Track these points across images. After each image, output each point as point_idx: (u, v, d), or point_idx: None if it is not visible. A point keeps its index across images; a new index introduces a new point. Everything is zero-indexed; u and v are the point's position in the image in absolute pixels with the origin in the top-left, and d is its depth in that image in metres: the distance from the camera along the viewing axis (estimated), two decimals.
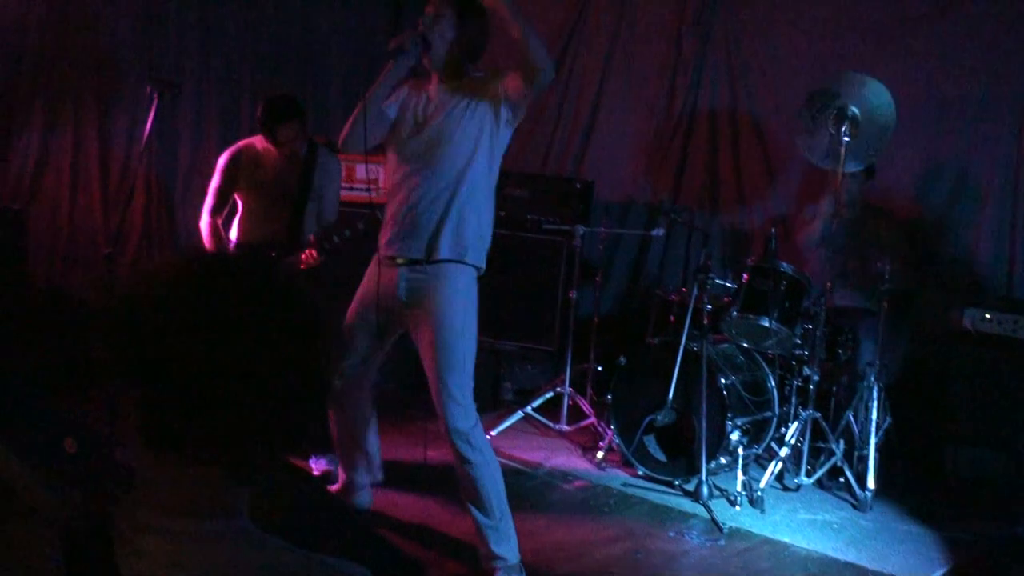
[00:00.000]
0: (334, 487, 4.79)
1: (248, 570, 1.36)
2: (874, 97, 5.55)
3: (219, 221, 5.25)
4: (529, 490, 5.39)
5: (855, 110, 5.54)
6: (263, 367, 1.35)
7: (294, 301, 1.41)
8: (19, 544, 1.42)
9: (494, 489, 4.13)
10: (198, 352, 1.32)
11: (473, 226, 4.15)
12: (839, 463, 5.48)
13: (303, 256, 4.86)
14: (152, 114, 4.91)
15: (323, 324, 1.43)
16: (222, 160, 5.23)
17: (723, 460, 5.46)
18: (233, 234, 5.27)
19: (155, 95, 4.92)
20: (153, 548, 1.35)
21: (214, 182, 5.22)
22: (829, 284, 5.64)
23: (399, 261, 4.19)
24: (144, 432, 1.37)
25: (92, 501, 1.48)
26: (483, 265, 4.23)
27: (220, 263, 1.46)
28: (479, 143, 4.09)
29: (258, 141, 5.23)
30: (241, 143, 5.30)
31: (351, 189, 6.84)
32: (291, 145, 5.11)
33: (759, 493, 5.35)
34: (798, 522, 5.15)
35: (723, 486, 5.43)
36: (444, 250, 4.10)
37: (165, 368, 1.32)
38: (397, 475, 5.10)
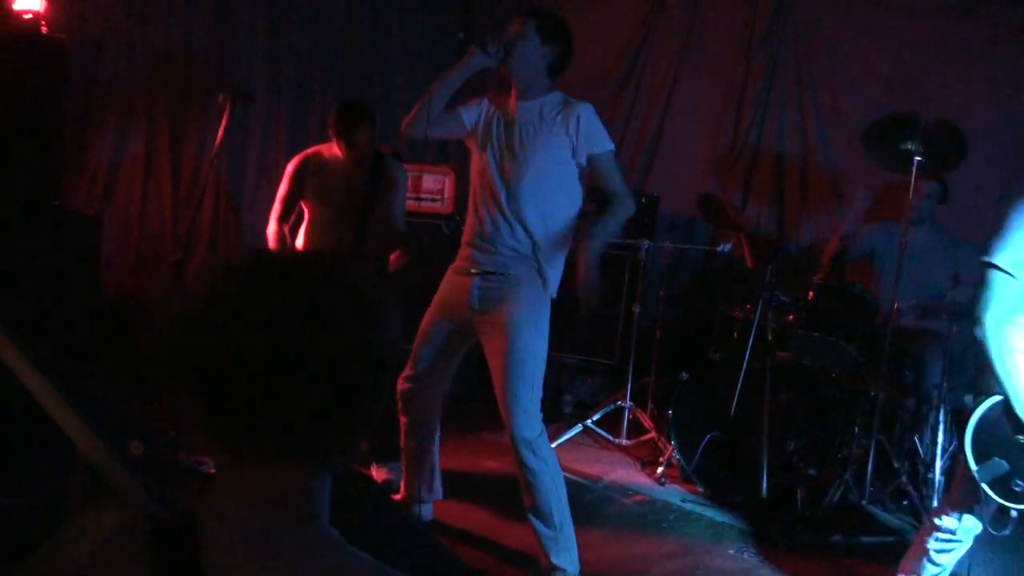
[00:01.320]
0: (396, 496, 4.82)
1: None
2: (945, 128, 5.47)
3: (286, 228, 5.31)
4: (588, 503, 5.38)
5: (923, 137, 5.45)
6: (326, 356, 1.35)
7: (356, 290, 1.41)
8: (112, 532, 1.43)
9: (556, 499, 4.13)
10: (257, 356, 1.32)
11: (548, 244, 4.16)
12: (904, 485, 5.41)
13: (392, 257, 4.93)
14: (224, 122, 4.99)
15: (389, 314, 1.43)
16: (290, 167, 5.29)
17: (784, 479, 5.40)
18: (300, 242, 5.33)
19: (228, 104, 4.99)
20: (234, 541, 1.36)
21: (282, 189, 5.29)
22: (896, 305, 5.57)
23: (473, 271, 4.22)
24: (215, 437, 1.38)
25: (163, 496, 1.50)
26: (555, 287, 4.23)
27: (275, 256, 1.48)
28: (550, 159, 4.10)
29: (325, 149, 5.28)
30: (309, 151, 5.36)
31: (418, 199, 6.89)
32: (365, 148, 5.16)
33: (820, 514, 5.29)
34: (860, 544, 5.08)
35: (784, 505, 5.38)
36: (518, 264, 4.12)
37: (231, 369, 1.33)
38: (456, 485, 5.12)
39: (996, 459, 3.56)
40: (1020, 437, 3.56)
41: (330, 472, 1.45)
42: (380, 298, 1.43)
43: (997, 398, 3.59)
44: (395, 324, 1.44)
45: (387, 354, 1.43)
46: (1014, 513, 3.65)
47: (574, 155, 4.10)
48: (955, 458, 5.51)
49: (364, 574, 1.39)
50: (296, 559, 1.35)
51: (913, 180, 5.43)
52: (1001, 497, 3.57)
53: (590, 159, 4.12)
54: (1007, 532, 3.77)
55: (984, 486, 3.57)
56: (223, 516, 1.38)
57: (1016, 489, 3.55)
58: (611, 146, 4.18)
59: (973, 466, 3.57)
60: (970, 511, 3.77)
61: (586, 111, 4.10)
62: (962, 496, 3.78)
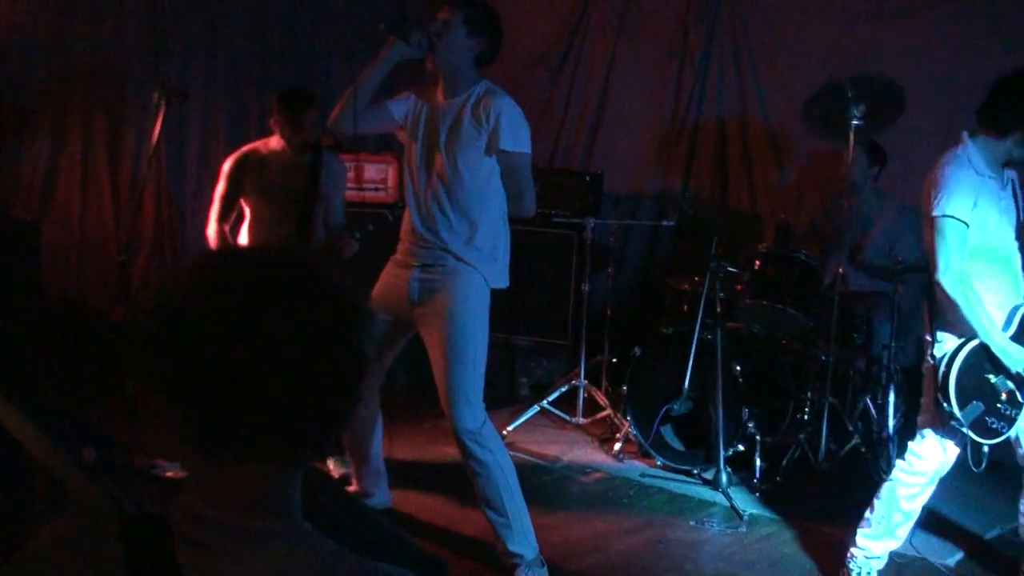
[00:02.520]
0: (351, 487, 4.80)
1: (308, 571, 1.36)
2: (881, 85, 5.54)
3: (226, 228, 5.24)
4: (547, 484, 5.40)
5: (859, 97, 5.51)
6: (306, 357, 1.35)
7: (331, 291, 1.42)
8: (81, 533, 1.43)
9: (506, 487, 4.11)
10: (241, 353, 1.31)
11: (484, 236, 4.12)
12: (859, 446, 5.48)
13: (342, 244, 4.89)
14: (159, 122, 4.93)
15: (360, 312, 1.44)
16: (227, 165, 5.23)
17: (741, 447, 5.45)
18: (243, 241, 5.28)
19: (162, 103, 4.93)
20: (211, 541, 1.35)
21: (220, 188, 5.21)
22: (841, 269, 5.64)
23: (412, 264, 4.19)
24: (195, 438, 1.36)
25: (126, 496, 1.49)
26: (493, 279, 4.18)
27: (250, 256, 1.47)
28: (478, 153, 4.05)
29: (262, 145, 5.23)
30: (245, 148, 5.30)
31: (361, 189, 6.85)
32: (313, 133, 5.12)
33: (778, 479, 5.35)
34: (819, 507, 5.14)
35: (741, 473, 5.43)
36: (459, 251, 4.10)
37: (209, 375, 1.32)
38: (412, 473, 5.12)
39: (974, 402, 3.84)
40: (990, 376, 3.85)
41: (303, 469, 1.44)
42: (356, 300, 1.44)
43: (972, 345, 3.84)
44: (370, 325, 1.44)
45: (363, 354, 1.43)
46: (986, 448, 3.98)
47: (487, 147, 4.03)
48: (907, 417, 5.62)
49: (342, 566, 1.39)
50: (274, 556, 1.35)
51: (851, 147, 5.50)
52: (980, 436, 3.87)
53: (500, 155, 4.04)
54: (983, 468, 4.06)
55: (967, 430, 3.84)
56: (198, 518, 1.36)
57: (992, 427, 3.87)
58: (526, 149, 4.09)
59: (958, 413, 3.82)
60: (942, 453, 3.99)
61: (507, 107, 4.02)
62: (939, 440, 3.99)
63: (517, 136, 4.05)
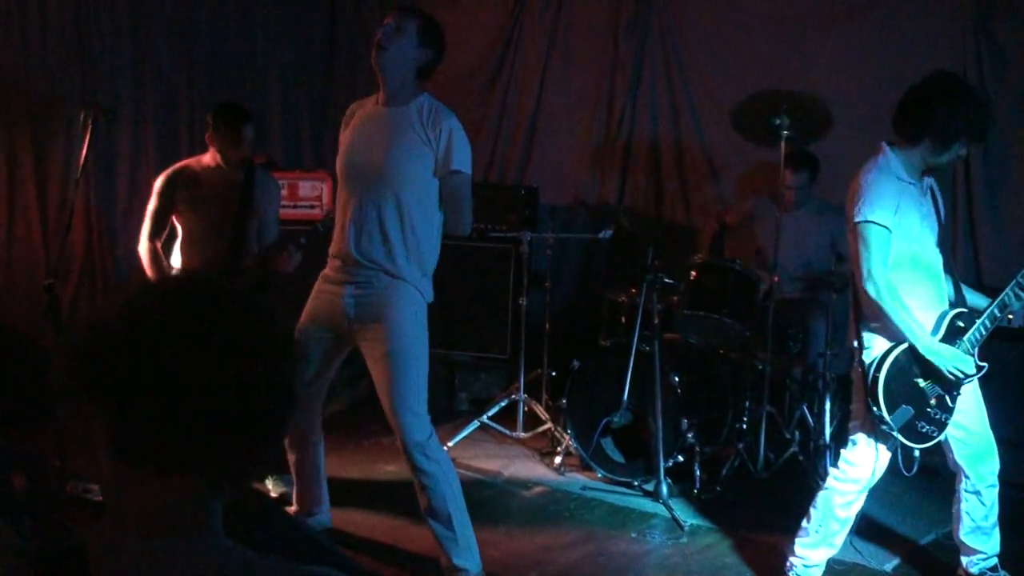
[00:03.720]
0: (292, 508, 4.74)
1: None
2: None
3: (158, 245, 5.16)
4: (489, 499, 5.37)
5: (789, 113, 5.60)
6: (235, 378, 1.38)
7: (262, 316, 1.46)
8: None
9: (452, 500, 4.10)
10: (173, 366, 1.34)
11: (419, 252, 4.10)
12: (796, 454, 5.52)
13: (279, 258, 4.84)
14: (87, 140, 4.84)
15: (290, 339, 1.49)
16: (159, 182, 5.15)
17: (680, 458, 5.46)
18: (176, 259, 5.20)
19: (89, 121, 4.85)
20: (131, 569, 1.36)
21: (151, 205, 5.13)
22: (776, 278, 5.69)
23: (345, 280, 4.15)
24: (119, 449, 1.38)
25: (47, 529, 1.47)
26: (427, 290, 4.17)
27: (193, 283, 1.51)
28: (420, 167, 4.03)
29: (194, 162, 5.17)
30: (177, 165, 5.24)
31: (295, 207, 6.79)
32: (248, 149, 5.06)
33: (718, 489, 5.38)
34: (759, 516, 5.17)
35: (682, 484, 5.45)
36: (392, 268, 4.06)
37: (141, 383, 1.34)
38: (354, 491, 5.07)
39: (904, 407, 3.89)
40: (919, 380, 3.92)
41: (226, 487, 1.46)
42: (284, 328, 1.50)
43: (899, 349, 3.91)
44: (294, 353, 1.49)
45: (293, 383, 1.47)
46: (917, 452, 4.04)
47: (435, 169, 4.03)
48: (843, 424, 5.68)
49: (261, 571, 1.42)
50: (199, 571, 1.37)
51: (783, 159, 5.59)
52: (911, 441, 3.93)
53: (449, 176, 4.05)
54: (914, 471, 4.12)
55: (897, 434, 3.89)
56: (117, 546, 1.37)
57: (922, 431, 3.92)
58: (469, 170, 4.10)
59: (887, 417, 3.88)
60: (874, 459, 4.03)
61: (456, 127, 4.04)
62: (870, 446, 4.03)
63: (464, 157, 4.06)
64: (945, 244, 4.13)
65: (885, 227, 3.83)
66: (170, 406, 1.35)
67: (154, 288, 1.47)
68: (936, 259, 4.05)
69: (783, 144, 5.61)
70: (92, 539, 1.39)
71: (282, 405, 1.45)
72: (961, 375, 3.91)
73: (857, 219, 3.86)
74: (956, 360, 3.90)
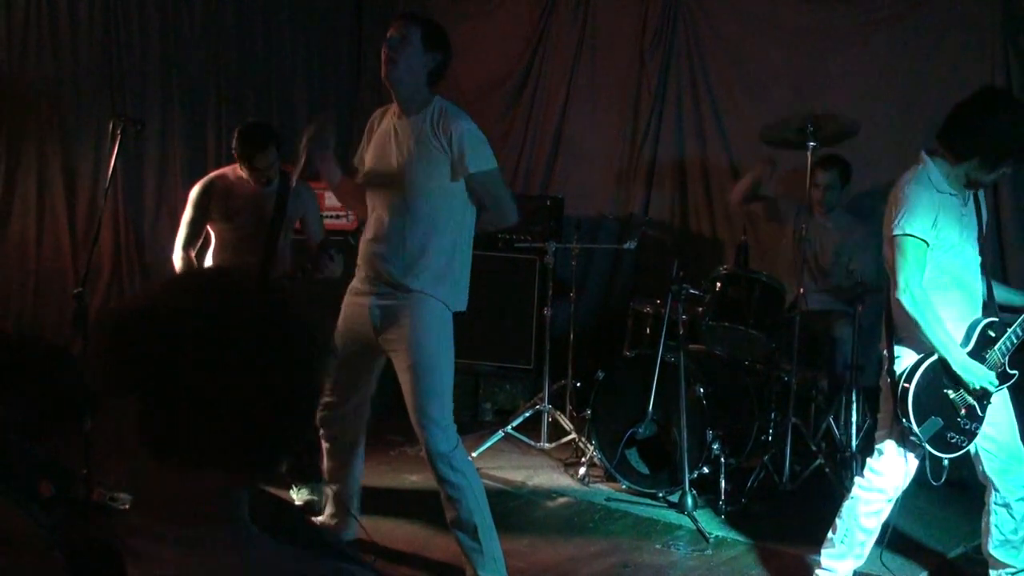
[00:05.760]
0: (318, 517, 4.75)
1: (260, 571, 1.44)
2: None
3: (192, 254, 5.20)
4: (513, 509, 5.37)
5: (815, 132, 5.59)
6: (261, 373, 1.42)
7: (291, 315, 1.50)
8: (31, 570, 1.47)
9: (478, 511, 4.09)
10: (200, 360, 1.39)
11: (441, 262, 4.09)
12: (822, 467, 5.49)
13: (325, 262, 4.84)
14: (115, 151, 4.87)
15: (316, 337, 1.53)
16: (194, 192, 5.18)
17: (706, 470, 5.44)
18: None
19: (118, 132, 4.88)
20: (160, 555, 1.40)
21: (187, 214, 5.16)
22: (802, 289, 5.67)
23: (369, 291, 4.16)
24: (148, 443, 1.43)
25: (75, 524, 1.50)
26: (453, 302, 4.17)
27: (221, 277, 1.57)
28: (438, 175, 4.03)
29: (230, 172, 5.19)
30: (213, 174, 5.26)
31: (322, 216, 6.81)
32: (268, 173, 5.08)
33: (743, 500, 5.35)
34: (784, 528, 5.14)
35: (707, 495, 5.43)
36: (411, 281, 4.07)
37: (172, 375, 1.39)
38: (379, 501, 5.07)
39: (933, 418, 3.88)
40: (949, 392, 3.90)
41: (252, 482, 1.52)
42: (319, 326, 1.55)
43: (930, 361, 3.90)
44: (322, 346, 1.54)
45: (320, 383, 1.53)
46: (946, 462, 4.02)
47: (453, 174, 4.03)
48: (869, 436, 5.64)
49: (300, 566, 1.47)
50: (227, 558, 1.42)
51: (809, 170, 5.58)
52: (939, 451, 3.93)
53: (470, 179, 4.05)
54: (942, 482, 4.12)
55: (927, 445, 3.89)
56: (146, 534, 1.42)
57: (951, 441, 3.92)
58: (492, 165, 4.09)
59: (916, 429, 3.86)
60: (901, 468, 4.02)
61: (465, 128, 4.02)
62: (897, 455, 4.02)
63: (481, 155, 4.05)
64: (985, 251, 4.08)
65: (923, 240, 3.81)
66: (198, 400, 1.39)
67: (181, 281, 1.53)
68: (974, 271, 4.02)
69: (809, 156, 5.60)
70: (121, 530, 1.42)
71: (307, 398, 1.50)
72: (990, 390, 3.90)
73: (896, 232, 3.84)
74: (986, 379, 3.88)
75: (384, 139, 4.16)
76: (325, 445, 4.49)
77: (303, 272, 4.84)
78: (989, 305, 4.07)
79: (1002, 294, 4.14)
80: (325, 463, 4.57)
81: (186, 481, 1.44)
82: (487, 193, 4.11)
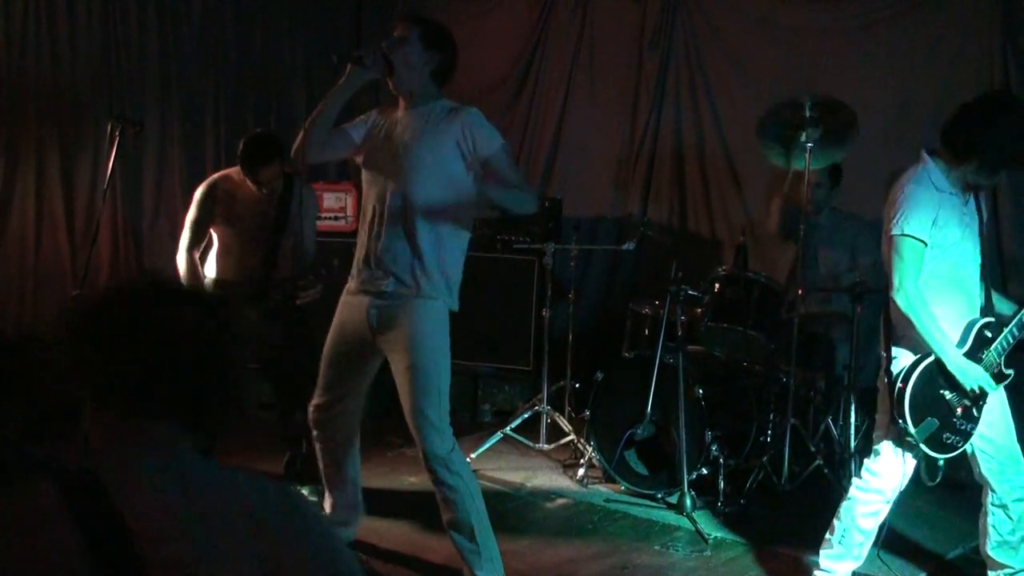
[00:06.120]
0: None
1: (218, 484, 1.77)
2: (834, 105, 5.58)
3: (196, 256, 5.18)
4: (512, 511, 5.37)
5: (816, 118, 5.54)
6: (195, 365, 1.81)
7: (228, 324, 1.88)
8: (23, 497, 1.66)
9: (475, 513, 4.08)
10: (146, 349, 1.78)
11: (440, 262, 4.07)
12: (821, 467, 5.49)
13: (301, 295, 4.83)
14: (113, 152, 4.88)
15: (232, 322, 1.89)
16: (199, 193, 5.17)
17: (704, 471, 5.44)
18: (210, 270, 5.22)
19: (116, 133, 4.88)
20: (140, 481, 1.69)
21: (191, 215, 5.15)
22: (800, 291, 5.66)
23: (367, 291, 4.14)
24: (115, 396, 1.78)
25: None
26: (451, 303, 4.16)
27: (152, 284, 1.91)
28: (446, 173, 4.03)
29: (235, 173, 5.17)
30: (217, 175, 5.26)
31: (320, 218, 6.81)
32: (272, 185, 5.07)
33: (742, 501, 5.35)
34: (783, 529, 5.14)
35: (705, 496, 5.42)
36: (410, 282, 4.05)
37: (133, 349, 1.77)
38: (376, 502, 5.06)
39: (929, 419, 3.88)
40: (945, 392, 3.90)
41: (194, 442, 1.83)
42: (233, 312, 1.94)
43: (927, 362, 3.90)
44: (248, 351, 1.96)
45: (239, 372, 1.90)
46: (941, 462, 4.00)
47: (467, 164, 4.02)
48: (870, 430, 5.64)
49: (248, 483, 1.79)
50: (189, 474, 1.74)
51: (807, 167, 5.55)
52: (936, 452, 3.93)
53: (485, 163, 4.04)
54: (938, 481, 4.07)
55: (923, 446, 3.89)
56: (120, 463, 1.71)
57: (947, 441, 3.92)
58: (500, 142, 4.09)
59: (912, 430, 3.87)
60: (899, 469, 4.02)
61: (473, 115, 4.04)
62: (895, 456, 4.02)
63: (492, 137, 4.06)
64: (985, 252, 4.07)
65: (921, 241, 3.81)
66: (149, 369, 1.77)
67: (112, 289, 1.92)
68: (974, 271, 4.02)
69: (807, 156, 5.58)
70: (104, 467, 1.71)
71: (226, 372, 1.86)
72: (987, 390, 3.90)
73: (893, 231, 3.84)
74: (982, 380, 3.88)
75: (390, 133, 4.13)
76: (318, 446, 4.47)
77: (286, 296, 4.85)
78: (987, 306, 4.07)
79: (998, 305, 4.13)
80: (320, 464, 4.56)
81: (142, 428, 1.77)
82: (502, 175, 4.07)
